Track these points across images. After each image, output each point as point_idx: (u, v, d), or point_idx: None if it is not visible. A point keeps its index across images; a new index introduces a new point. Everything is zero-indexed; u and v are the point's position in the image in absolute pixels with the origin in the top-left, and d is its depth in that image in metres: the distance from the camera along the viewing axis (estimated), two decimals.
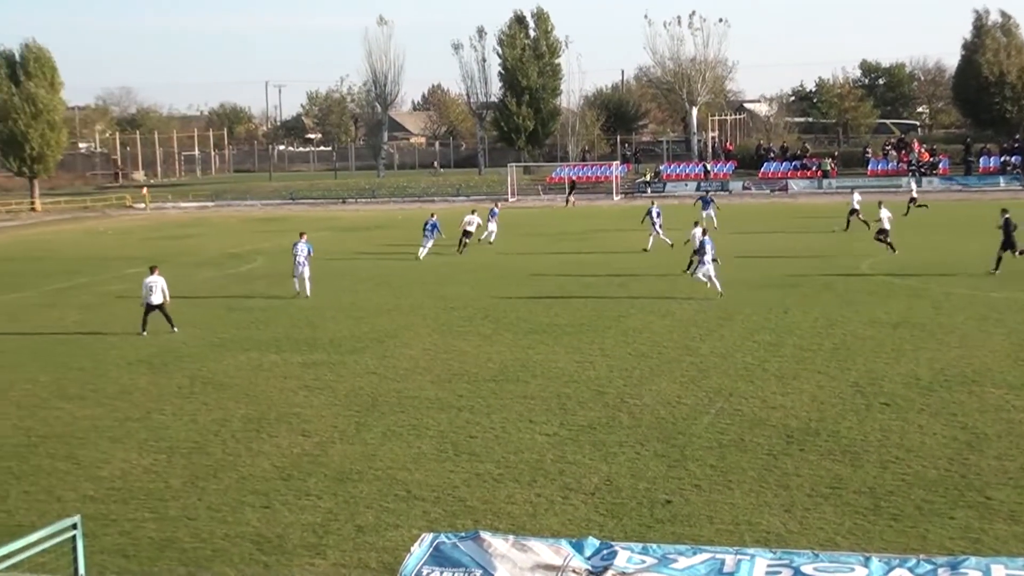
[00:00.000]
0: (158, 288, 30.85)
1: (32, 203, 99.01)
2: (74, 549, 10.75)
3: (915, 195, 64.15)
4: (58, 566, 11.12)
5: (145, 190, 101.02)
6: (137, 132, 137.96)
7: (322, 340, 29.09)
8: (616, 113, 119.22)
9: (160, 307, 30.88)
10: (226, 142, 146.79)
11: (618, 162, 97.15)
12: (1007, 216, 37.19)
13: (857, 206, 53.26)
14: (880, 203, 44.08)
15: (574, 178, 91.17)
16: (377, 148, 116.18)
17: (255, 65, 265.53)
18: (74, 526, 10.70)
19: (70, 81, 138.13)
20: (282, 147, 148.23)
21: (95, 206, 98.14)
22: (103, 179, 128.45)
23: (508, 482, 17.10)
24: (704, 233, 36.11)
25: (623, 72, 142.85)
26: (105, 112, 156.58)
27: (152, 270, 31.52)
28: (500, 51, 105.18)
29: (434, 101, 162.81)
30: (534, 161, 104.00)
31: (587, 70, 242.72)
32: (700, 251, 34.80)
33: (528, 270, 42.39)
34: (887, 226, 43.08)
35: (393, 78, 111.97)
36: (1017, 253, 36.53)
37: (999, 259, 36.69)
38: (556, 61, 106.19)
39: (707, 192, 69.78)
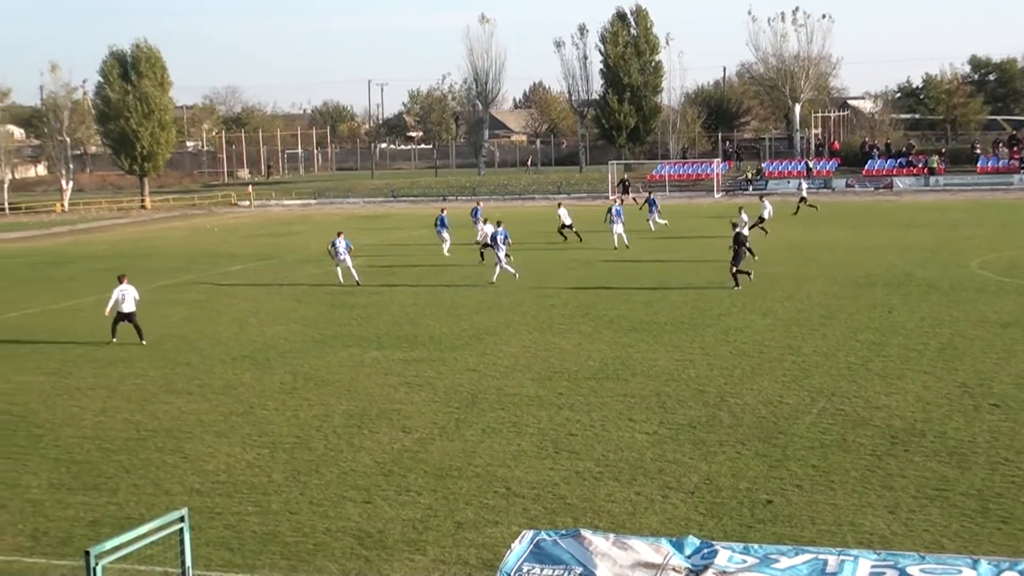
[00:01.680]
0: (130, 297, 30.41)
1: (142, 201, 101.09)
2: (181, 542, 10.88)
3: None
4: (166, 558, 11.32)
5: (250, 188, 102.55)
6: (242, 131, 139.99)
7: (422, 337, 29.28)
8: (717, 110, 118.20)
9: (130, 316, 30.34)
10: (329, 140, 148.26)
11: (719, 159, 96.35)
12: None
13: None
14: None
15: (626, 176, 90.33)
16: (478, 146, 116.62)
17: (358, 64, 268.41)
18: (182, 519, 10.84)
19: (179, 81, 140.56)
20: (384, 145, 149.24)
21: (202, 204, 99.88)
22: (209, 177, 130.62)
23: (608, 480, 17.07)
24: (498, 224, 40.87)
25: (724, 69, 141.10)
26: (212, 111, 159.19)
27: (121, 279, 30.92)
28: (602, 48, 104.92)
29: (535, 99, 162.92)
30: (635, 159, 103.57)
31: (688, 67, 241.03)
32: (492, 240, 39.55)
33: (627, 268, 42.24)
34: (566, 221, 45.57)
35: (494, 76, 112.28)
36: None
37: None
38: (657, 58, 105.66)
39: (651, 193, 68.81)
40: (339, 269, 40.46)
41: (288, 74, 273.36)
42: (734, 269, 35.93)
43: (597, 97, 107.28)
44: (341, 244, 40.89)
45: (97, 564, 9.68)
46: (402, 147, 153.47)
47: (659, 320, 30.56)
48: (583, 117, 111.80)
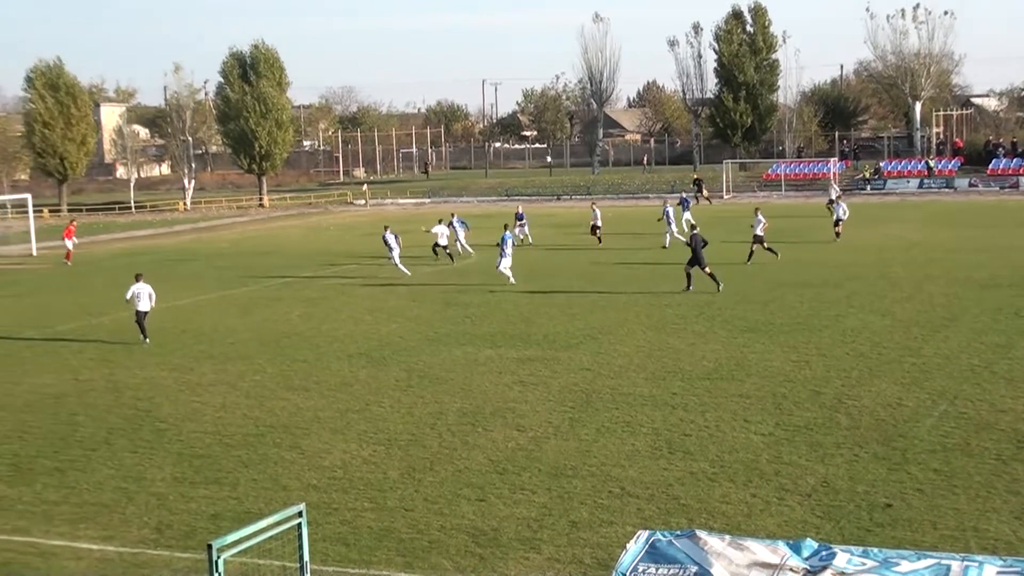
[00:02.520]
0: (145, 295, 30.73)
1: (260, 199, 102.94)
2: (299, 536, 11.02)
3: None
4: (284, 553, 11.45)
5: (365, 187, 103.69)
6: (358, 130, 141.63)
7: (536, 336, 29.34)
8: (834, 109, 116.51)
9: (144, 315, 30.69)
10: (443, 139, 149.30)
11: (836, 159, 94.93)
12: None
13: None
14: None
15: (698, 175, 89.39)
16: (592, 145, 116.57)
17: (472, 63, 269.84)
18: (299, 514, 10.97)
19: (296, 81, 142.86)
20: (498, 144, 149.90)
21: (318, 202, 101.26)
22: (326, 176, 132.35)
23: (723, 481, 16.94)
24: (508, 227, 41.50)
25: (842, 67, 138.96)
26: (328, 111, 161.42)
27: (137, 278, 31.30)
28: (716, 47, 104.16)
29: (649, 98, 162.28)
30: (750, 157, 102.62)
31: (805, 65, 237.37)
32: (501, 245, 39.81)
33: (738, 268, 41.84)
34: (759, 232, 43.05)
35: (608, 75, 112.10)
36: None
37: None
38: (773, 56, 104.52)
39: (683, 194, 67.88)
40: (399, 262, 43.09)
41: (403, 73, 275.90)
42: (707, 270, 36.08)
43: (712, 96, 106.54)
44: (391, 238, 43.81)
45: (219, 557, 9.85)
46: (516, 146, 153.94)
47: (774, 320, 30.23)
48: (697, 116, 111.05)
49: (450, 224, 49.26)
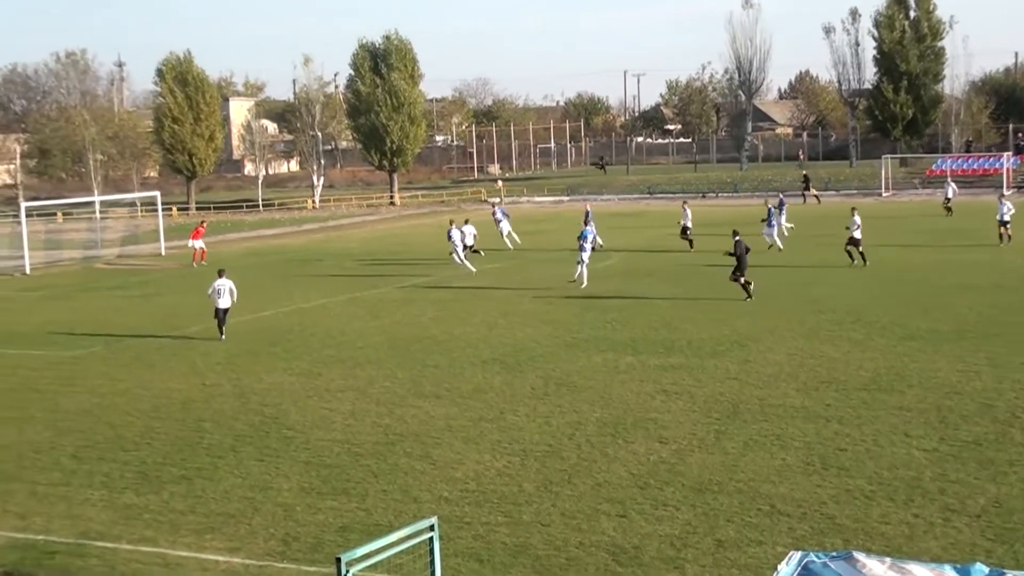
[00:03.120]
0: (226, 292, 32.28)
1: (391, 197, 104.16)
2: (431, 551, 11.03)
3: None
4: (414, 568, 11.49)
5: (500, 184, 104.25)
6: (493, 124, 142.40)
7: (680, 342, 29.14)
8: (1007, 99, 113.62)
9: (225, 312, 32.47)
10: (583, 134, 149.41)
11: (1009, 153, 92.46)
12: None
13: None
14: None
15: (806, 171, 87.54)
16: (740, 139, 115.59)
17: (613, 54, 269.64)
18: (431, 528, 11.00)
19: (429, 74, 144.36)
20: (640, 139, 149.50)
21: (451, 200, 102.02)
22: (459, 172, 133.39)
23: (881, 500, 16.60)
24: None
25: (1016, 55, 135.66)
26: (462, 104, 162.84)
27: (220, 273, 32.90)
28: (876, 34, 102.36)
29: (802, 89, 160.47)
30: (911, 152, 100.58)
31: (974, 52, 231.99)
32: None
33: (904, 270, 41.05)
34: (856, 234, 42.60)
35: (758, 65, 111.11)
36: None
37: None
38: (939, 44, 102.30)
39: (780, 195, 64.16)
40: (461, 258, 45.57)
41: (541, 65, 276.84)
42: (740, 279, 36.00)
43: (870, 86, 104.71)
44: (456, 234, 46.53)
45: (348, 572, 9.92)
46: (659, 141, 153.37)
47: (939, 327, 29.55)
48: (854, 108, 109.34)
49: (493, 216, 53.00)
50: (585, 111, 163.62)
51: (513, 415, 22.50)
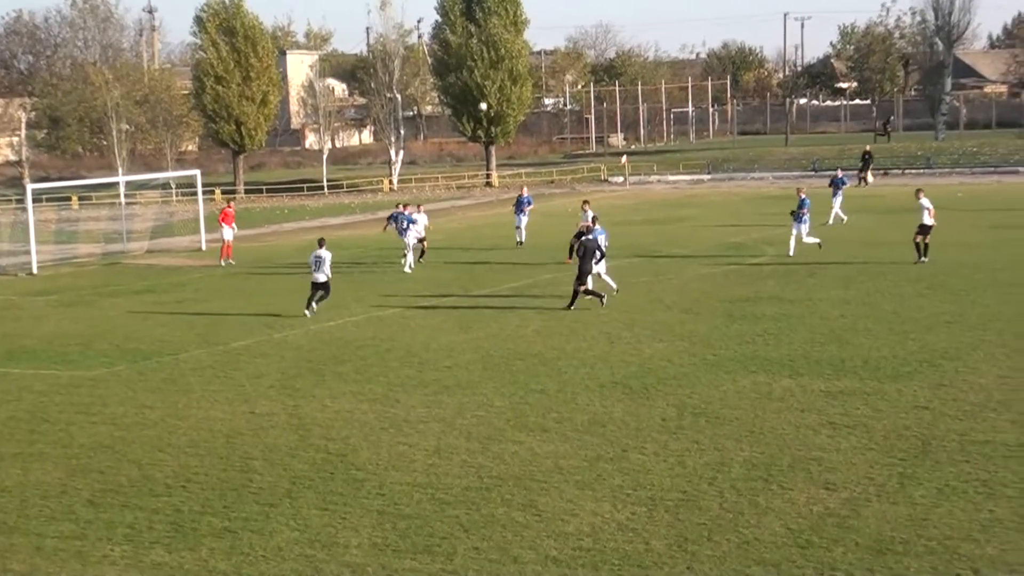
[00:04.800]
0: (325, 264, 36.61)
1: (488, 176, 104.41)
2: None
3: None
4: None
5: (624, 159, 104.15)
6: (616, 83, 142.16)
7: (853, 361, 28.94)
8: None
9: (324, 287, 36.90)
10: (729, 95, 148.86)
11: None
12: None
13: None
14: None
15: (869, 149, 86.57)
16: (935, 101, 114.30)
17: None
18: None
19: (537, 19, 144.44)
20: (803, 101, 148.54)
21: (562, 180, 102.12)
22: (573, 145, 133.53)
23: None
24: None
25: None
26: (578, 58, 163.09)
27: (320, 243, 37.15)
28: None
29: (1021, 36, 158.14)
30: None
31: None
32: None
33: None
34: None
35: (962, 5, 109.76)
36: None
37: None
38: None
39: (838, 171, 66.35)
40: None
41: (677, 7, 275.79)
42: (580, 287, 37.48)
43: None
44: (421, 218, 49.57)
45: None
46: (828, 103, 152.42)
47: None
48: None
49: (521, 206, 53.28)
50: (733, 65, 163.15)
51: (639, 453, 22.49)
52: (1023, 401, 24.67)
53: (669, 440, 23.24)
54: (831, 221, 58.89)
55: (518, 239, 56.93)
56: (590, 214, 47.66)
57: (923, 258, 43.49)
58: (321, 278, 37.68)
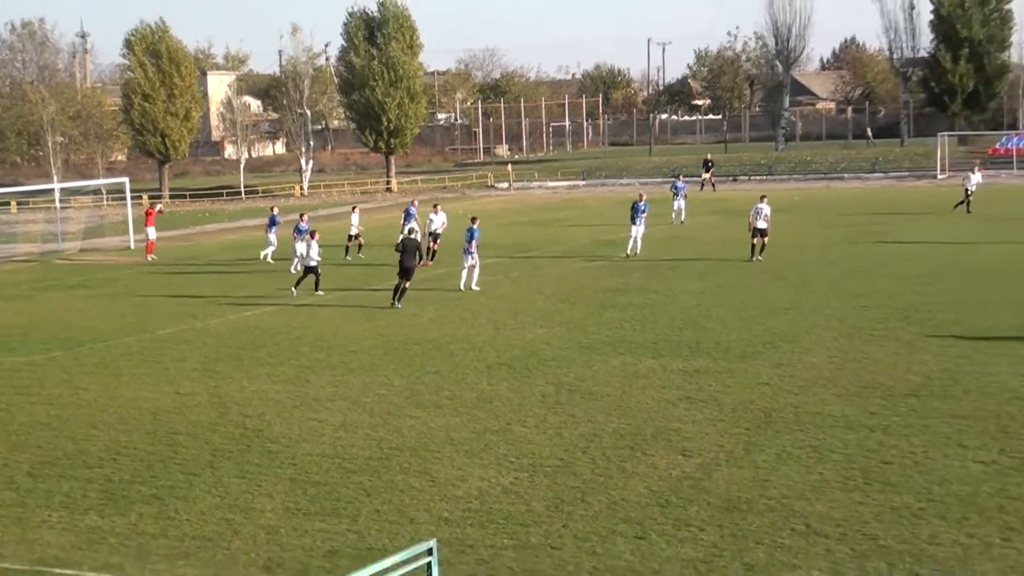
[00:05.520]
0: (314, 251, 39.27)
1: (388, 182, 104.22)
2: None
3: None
4: None
5: (509, 167, 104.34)
6: (501, 100, 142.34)
7: (706, 344, 29.24)
8: None
9: (313, 270, 39.73)
10: (601, 111, 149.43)
11: None
12: None
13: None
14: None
15: (709, 157, 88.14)
16: (776, 116, 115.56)
17: (635, 21, 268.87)
18: (429, 551, 11.13)
19: (430, 44, 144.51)
20: (664, 116, 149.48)
21: (453, 186, 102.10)
22: (463, 155, 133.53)
23: (932, 518, 16.69)
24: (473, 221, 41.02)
25: None
26: (467, 78, 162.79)
27: (312, 235, 39.62)
28: None
29: (847, 58, 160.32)
30: (972, 129, 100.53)
31: None
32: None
33: (960, 261, 41.12)
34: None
35: (798, 32, 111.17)
36: None
37: None
38: (1006, 7, 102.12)
39: (677, 176, 67.74)
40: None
41: (555, 34, 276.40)
42: (407, 285, 37.48)
43: (925, 55, 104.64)
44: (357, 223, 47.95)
45: None
46: (686, 118, 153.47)
47: (1000, 325, 29.66)
48: (906, 79, 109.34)
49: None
50: (604, 85, 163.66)
51: (521, 426, 22.59)
52: (847, 377, 25.05)
53: (548, 414, 23.37)
54: (675, 221, 59.53)
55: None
56: (442, 215, 47.87)
57: (757, 257, 43.93)
58: (312, 262, 39.78)
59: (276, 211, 52.57)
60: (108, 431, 23.65)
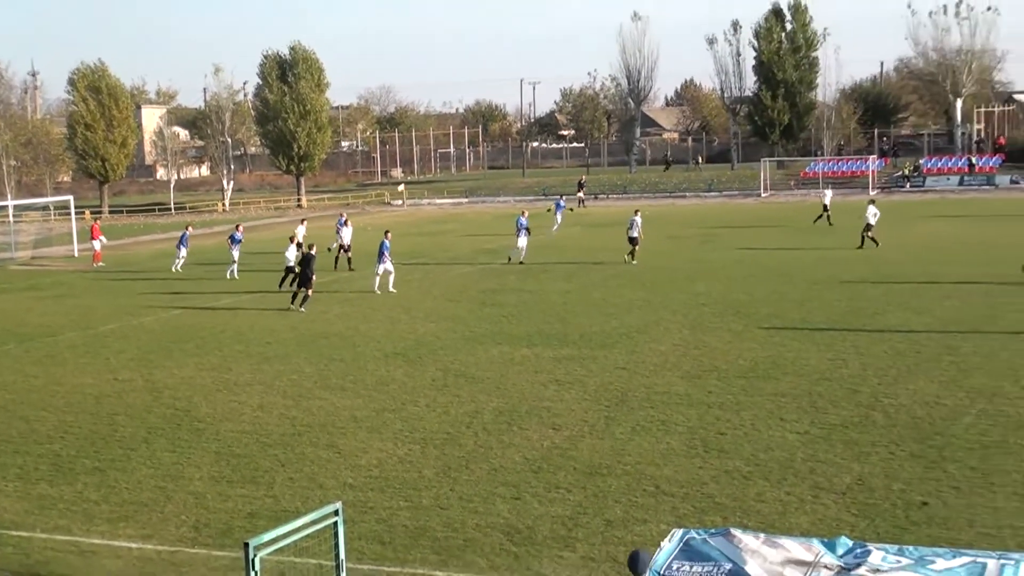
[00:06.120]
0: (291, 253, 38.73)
1: (299, 200, 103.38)
2: (335, 535, 11.08)
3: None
4: (320, 551, 11.53)
5: (402, 187, 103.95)
6: (396, 130, 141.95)
7: (572, 335, 29.33)
8: (874, 106, 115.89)
9: (291, 270, 38.92)
10: (481, 139, 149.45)
11: (875, 156, 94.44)
12: None
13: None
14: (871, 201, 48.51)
15: (583, 178, 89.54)
16: (629, 144, 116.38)
17: (510, 63, 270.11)
18: (336, 512, 11.03)
19: (335, 82, 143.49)
20: (535, 144, 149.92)
21: (355, 203, 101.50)
22: (364, 176, 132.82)
23: (758, 480, 16.89)
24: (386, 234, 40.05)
25: (882, 64, 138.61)
26: (366, 111, 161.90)
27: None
28: (756, 44, 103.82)
29: (687, 96, 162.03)
30: (788, 156, 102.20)
31: (844, 62, 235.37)
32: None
33: (780, 266, 41.73)
34: (871, 222, 46.97)
35: (647, 73, 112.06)
36: None
37: None
38: (813, 54, 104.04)
39: (560, 196, 69.60)
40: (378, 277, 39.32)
41: (441, 74, 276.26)
42: (310, 292, 35.73)
43: (750, 94, 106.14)
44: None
45: (255, 556, 9.91)
46: (553, 145, 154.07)
47: (811, 319, 30.11)
48: (735, 114, 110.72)
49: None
50: (483, 118, 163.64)
51: (414, 406, 22.51)
52: (689, 362, 25.28)
53: (437, 395, 23.30)
54: (554, 231, 59.77)
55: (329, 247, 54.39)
56: (350, 229, 47.27)
57: (631, 260, 44.33)
58: (289, 263, 39.78)
59: (240, 230, 48.79)
60: (56, 413, 23.16)
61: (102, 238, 57.00)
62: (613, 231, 57.58)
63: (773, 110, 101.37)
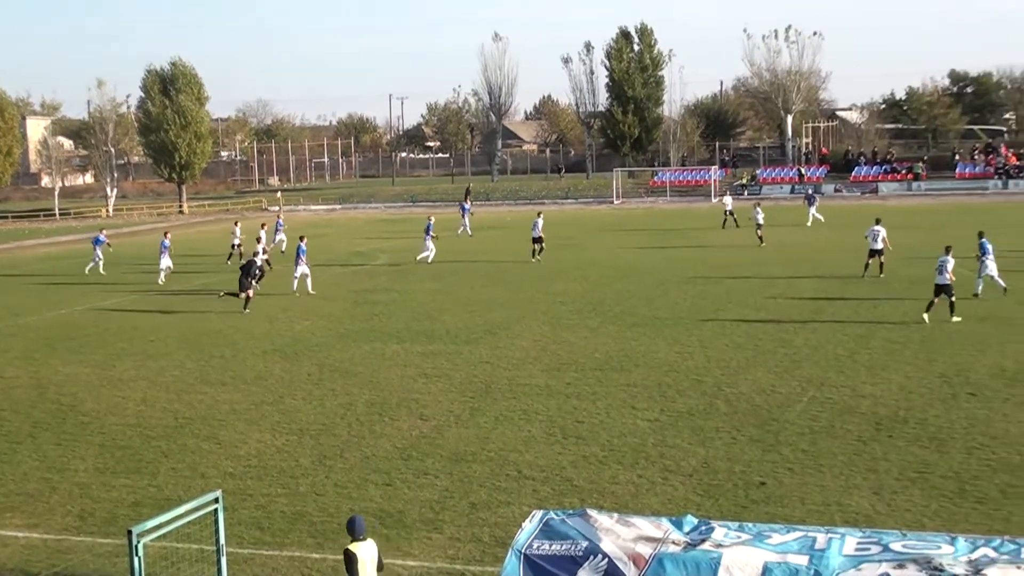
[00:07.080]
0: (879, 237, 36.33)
1: (180, 206, 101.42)
2: (216, 521, 10.95)
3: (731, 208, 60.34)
4: (202, 536, 11.36)
5: (279, 194, 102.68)
6: (272, 141, 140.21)
7: (440, 332, 29.27)
8: (715, 121, 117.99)
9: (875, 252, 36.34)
10: (353, 150, 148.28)
11: (716, 166, 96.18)
12: None
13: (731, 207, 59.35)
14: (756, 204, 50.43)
15: (470, 186, 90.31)
16: (491, 155, 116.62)
17: (380, 79, 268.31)
18: (216, 500, 10.89)
19: (214, 96, 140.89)
20: (403, 154, 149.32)
21: (235, 209, 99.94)
22: (242, 184, 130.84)
23: (612, 464, 17.04)
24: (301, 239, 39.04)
25: (722, 83, 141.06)
26: (244, 123, 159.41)
27: (877, 221, 37.14)
28: (607, 64, 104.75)
29: (545, 111, 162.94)
30: (638, 166, 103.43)
31: (688, 81, 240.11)
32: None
33: (632, 267, 42.20)
34: (760, 221, 49.33)
35: (507, 90, 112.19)
36: None
37: None
38: (659, 73, 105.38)
39: (811, 191, 68.86)
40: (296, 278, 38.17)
41: (315, 88, 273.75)
42: (250, 294, 34.24)
43: (603, 109, 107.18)
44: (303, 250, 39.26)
45: (139, 542, 9.72)
46: (421, 156, 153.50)
47: (660, 316, 30.51)
48: (590, 128, 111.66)
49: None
50: (355, 130, 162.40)
51: (291, 399, 22.23)
52: (549, 356, 25.42)
53: (313, 389, 23.06)
54: (459, 233, 59.13)
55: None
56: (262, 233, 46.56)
57: (537, 259, 44.49)
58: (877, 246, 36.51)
59: (168, 237, 46.79)
60: None
61: None
62: (480, 235, 57.72)
63: (624, 124, 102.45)
